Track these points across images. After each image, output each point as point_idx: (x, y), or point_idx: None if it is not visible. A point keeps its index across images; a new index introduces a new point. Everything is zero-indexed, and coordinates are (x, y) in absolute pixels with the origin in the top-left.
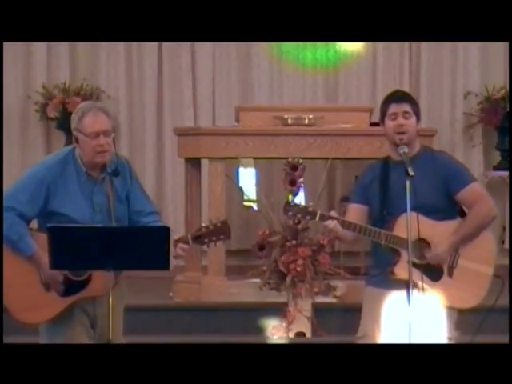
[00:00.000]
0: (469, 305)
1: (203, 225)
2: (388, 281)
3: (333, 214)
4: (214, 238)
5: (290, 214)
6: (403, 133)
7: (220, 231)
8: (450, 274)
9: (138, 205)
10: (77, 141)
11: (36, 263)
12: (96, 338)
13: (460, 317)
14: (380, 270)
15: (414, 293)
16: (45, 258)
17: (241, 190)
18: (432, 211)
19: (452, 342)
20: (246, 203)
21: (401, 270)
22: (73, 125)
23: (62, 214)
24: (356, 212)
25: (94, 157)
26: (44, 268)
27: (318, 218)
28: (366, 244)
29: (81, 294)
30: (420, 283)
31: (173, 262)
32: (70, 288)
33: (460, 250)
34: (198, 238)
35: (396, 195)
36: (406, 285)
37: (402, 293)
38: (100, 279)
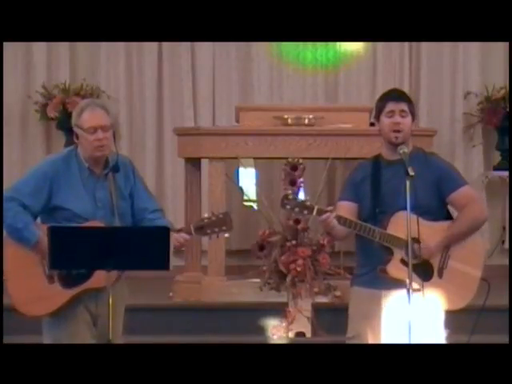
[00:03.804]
0: (456, 306)
1: (205, 216)
2: (377, 280)
3: (330, 209)
4: (216, 230)
5: (288, 207)
6: (399, 131)
7: (222, 223)
8: (440, 275)
9: (142, 202)
10: (77, 137)
11: (41, 251)
12: (97, 337)
13: (449, 316)
14: (367, 269)
15: (406, 292)
16: None
17: (241, 189)
18: (424, 212)
19: (444, 342)
20: (246, 203)
21: (393, 269)
22: (73, 121)
23: (66, 208)
24: (346, 209)
25: (92, 151)
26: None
27: (315, 212)
28: None
29: (83, 285)
30: (412, 283)
31: (172, 262)
32: (74, 280)
33: (450, 252)
34: (201, 229)
35: (389, 194)
36: (397, 284)
37: (392, 292)
38: (102, 272)
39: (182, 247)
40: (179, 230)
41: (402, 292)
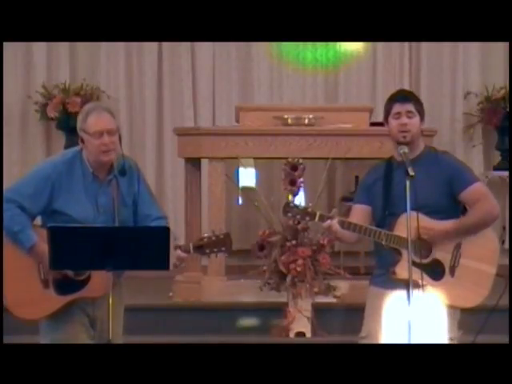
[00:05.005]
0: (471, 304)
1: (205, 235)
2: (390, 281)
3: (333, 212)
4: (215, 250)
5: (290, 215)
6: (406, 131)
7: (222, 243)
8: (452, 273)
9: (145, 209)
10: (82, 141)
11: (37, 256)
12: (96, 339)
13: (463, 316)
14: (383, 269)
15: (416, 292)
16: (46, 250)
17: (239, 187)
18: (435, 211)
19: (455, 342)
20: (243, 190)
21: (402, 270)
22: (78, 125)
23: (65, 213)
24: (359, 212)
25: (98, 156)
26: (45, 261)
27: (317, 218)
28: (366, 244)
29: (79, 293)
30: (422, 283)
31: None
32: (69, 287)
33: (462, 249)
34: (200, 248)
35: (399, 195)
36: (408, 285)
37: (405, 293)
38: (99, 280)
39: (181, 264)
40: (178, 247)
41: (414, 293)
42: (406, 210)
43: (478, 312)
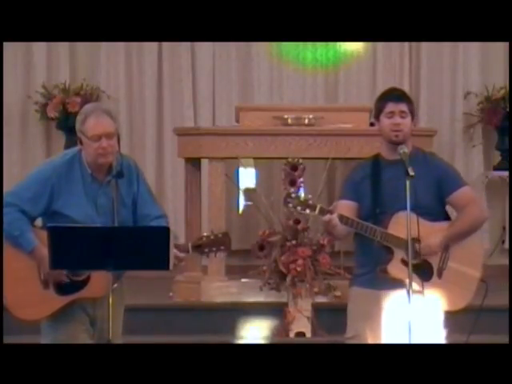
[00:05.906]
0: (455, 307)
1: (204, 234)
2: (377, 280)
3: (333, 207)
4: (214, 249)
5: (291, 205)
6: (399, 131)
7: (221, 242)
8: (440, 276)
9: (145, 208)
10: (81, 142)
11: (37, 259)
12: (95, 339)
13: (448, 317)
14: (367, 268)
15: (406, 292)
16: (46, 254)
17: (240, 190)
18: (424, 212)
19: (444, 342)
20: (245, 192)
21: (394, 269)
22: (77, 126)
23: (66, 215)
24: (345, 208)
25: (96, 158)
26: (45, 264)
27: (317, 211)
28: None
29: (78, 294)
30: (412, 283)
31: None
32: (68, 287)
33: (450, 252)
34: (198, 248)
35: (389, 194)
36: (396, 284)
37: (392, 292)
38: (99, 281)
39: (180, 264)
40: (177, 247)
41: (402, 292)
42: (398, 210)
43: (474, 312)
